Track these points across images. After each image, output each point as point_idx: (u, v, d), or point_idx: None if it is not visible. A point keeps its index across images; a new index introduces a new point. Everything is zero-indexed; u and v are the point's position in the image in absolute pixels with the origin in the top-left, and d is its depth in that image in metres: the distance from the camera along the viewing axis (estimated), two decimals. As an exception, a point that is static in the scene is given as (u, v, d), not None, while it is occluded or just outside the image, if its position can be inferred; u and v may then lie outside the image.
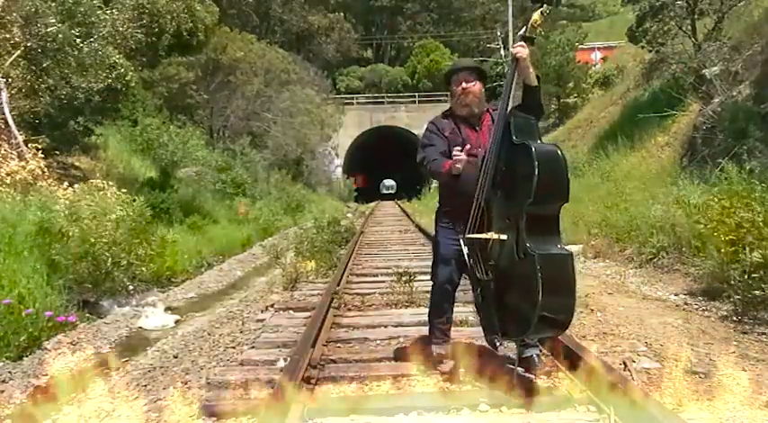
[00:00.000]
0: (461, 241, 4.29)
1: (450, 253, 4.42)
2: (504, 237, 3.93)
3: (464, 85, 4.43)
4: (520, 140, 3.92)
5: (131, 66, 14.18)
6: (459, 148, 4.16)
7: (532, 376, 4.33)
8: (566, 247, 3.98)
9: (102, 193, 9.57)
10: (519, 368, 4.23)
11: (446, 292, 4.61)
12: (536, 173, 3.71)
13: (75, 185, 9.93)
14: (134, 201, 9.89)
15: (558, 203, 3.95)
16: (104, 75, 13.06)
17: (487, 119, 4.45)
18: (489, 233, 4.02)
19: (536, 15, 4.04)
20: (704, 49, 15.65)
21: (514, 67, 4.10)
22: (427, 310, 5.06)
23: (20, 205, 8.41)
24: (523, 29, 4.15)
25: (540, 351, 4.56)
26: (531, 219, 3.80)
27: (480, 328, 4.66)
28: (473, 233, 4.12)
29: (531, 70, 4.13)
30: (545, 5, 4.09)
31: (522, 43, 4.07)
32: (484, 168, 4.08)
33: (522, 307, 3.80)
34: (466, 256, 4.24)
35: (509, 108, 4.09)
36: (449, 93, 4.62)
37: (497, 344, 4.45)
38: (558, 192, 3.89)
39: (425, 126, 4.72)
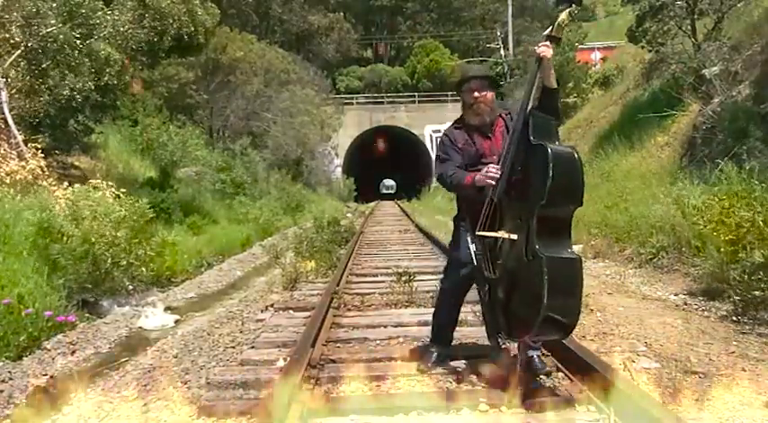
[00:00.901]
0: (470, 240, 4.31)
1: (466, 257, 4.39)
2: (514, 236, 3.90)
3: (476, 94, 4.39)
4: (537, 141, 3.88)
5: (125, 58, 14.16)
6: (494, 166, 4.08)
7: (533, 376, 4.34)
8: (574, 252, 3.95)
9: (100, 193, 9.56)
10: (519, 368, 4.23)
11: (456, 294, 4.63)
12: (550, 174, 3.68)
13: (76, 185, 9.92)
14: (137, 201, 9.88)
15: (571, 207, 3.91)
16: (102, 70, 13.05)
17: (500, 124, 4.42)
18: (500, 232, 4.00)
19: (563, 15, 3.99)
20: (704, 49, 15.63)
21: (537, 66, 4.04)
22: (427, 310, 5.08)
23: (19, 205, 8.41)
24: (549, 28, 4.08)
25: (541, 352, 4.56)
26: (542, 221, 3.77)
27: (482, 328, 4.68)
28: (484, 231, 4.10)
29: (553, 72, 4.06)
30: (573, 5, 4.02)
31: (547, 43, 4.01)
32: (502, 167, 4.04)
33: (527, 308, 3.80)
34: (473, 255, 4.25)
35: (529, 108, 4.05)
36: (460, 101, 4.56)
37: (501, 343, 4.45)
38: (571, 195, 3.84)
39: (438, 137, 4.73)
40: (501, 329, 4.13)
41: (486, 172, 4.08)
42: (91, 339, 6.69)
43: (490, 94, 4.43)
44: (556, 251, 3.76)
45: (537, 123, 3.95)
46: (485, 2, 66.16)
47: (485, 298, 4.19)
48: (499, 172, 4.03)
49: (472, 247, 4.26)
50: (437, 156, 4.57)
